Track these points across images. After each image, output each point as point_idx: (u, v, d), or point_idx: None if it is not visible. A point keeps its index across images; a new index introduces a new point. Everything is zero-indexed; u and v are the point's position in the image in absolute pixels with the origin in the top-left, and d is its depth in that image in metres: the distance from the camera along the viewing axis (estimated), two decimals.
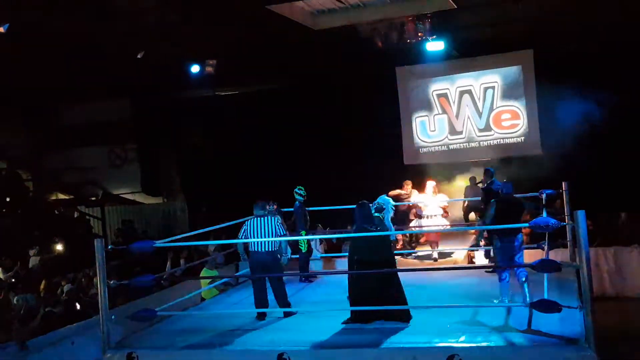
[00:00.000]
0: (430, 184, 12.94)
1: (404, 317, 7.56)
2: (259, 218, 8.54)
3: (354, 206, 8.08)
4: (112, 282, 7.42)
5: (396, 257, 9.55)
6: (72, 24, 13.79)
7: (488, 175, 10.87)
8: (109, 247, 8.28)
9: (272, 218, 8.57)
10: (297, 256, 11.05)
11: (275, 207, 10.69)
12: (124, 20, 14.09)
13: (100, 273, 7.35)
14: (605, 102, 15.04)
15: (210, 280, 10.73)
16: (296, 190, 11.13)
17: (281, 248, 8.62)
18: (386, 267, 7.77)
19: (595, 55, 15.24)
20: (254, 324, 8.19)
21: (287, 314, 8.32)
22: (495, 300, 8.16)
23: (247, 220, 8.70)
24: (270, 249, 8.43)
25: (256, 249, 8.45)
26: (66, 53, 15.41)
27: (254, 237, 8.44)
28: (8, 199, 18.11)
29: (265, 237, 8.39)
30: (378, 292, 7.55)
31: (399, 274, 7.90)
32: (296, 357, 6.81)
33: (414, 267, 11.60)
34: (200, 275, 11.30)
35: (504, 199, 8.38)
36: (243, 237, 8.60)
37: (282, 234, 8.51)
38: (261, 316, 8.32)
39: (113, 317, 7.51)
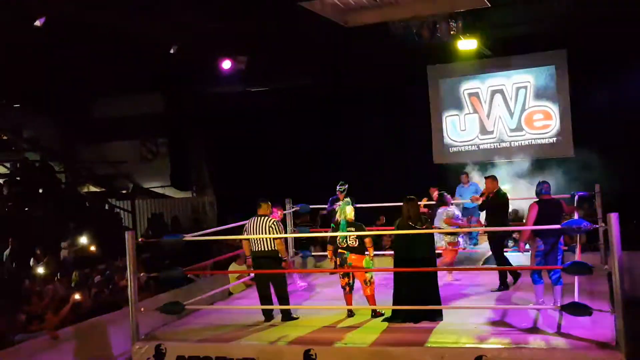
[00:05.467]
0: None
1: (437, 316, 7.59)
2: (257, 217, 8.42)
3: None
4: (142, 275, 7.51)
5: None
6: (105, 18, 13.93)
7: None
8: (139, 239, 8.36)
9: (268, 219, 8.39)
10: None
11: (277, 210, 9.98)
12: (158, 15, 14.21)
13: (131, 265, 7.46)
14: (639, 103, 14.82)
15: (238, 275, 10.78)
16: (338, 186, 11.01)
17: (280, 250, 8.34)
18: (427, 266, 7.72)
19: (630, 56, 14.99)
20: (281, 320, 8.21)
21: (285, 316, 8.22)
22: (531, 304, 7.88)
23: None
24: (265, 249, 8.28)
25: (255, 249, 8.38)
26: (100, 47, 15.58)
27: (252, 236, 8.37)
28: (40, 191, 18.36)
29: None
30: (417, 292, 7.56)
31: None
32: (322, 354, 6.84)
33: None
34: (229, 270, 11.37)
35: (543, 200, 8.11)
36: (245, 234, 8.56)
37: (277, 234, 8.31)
38: (266, 316, 8.26)
39: (142, 309, 7.61)
